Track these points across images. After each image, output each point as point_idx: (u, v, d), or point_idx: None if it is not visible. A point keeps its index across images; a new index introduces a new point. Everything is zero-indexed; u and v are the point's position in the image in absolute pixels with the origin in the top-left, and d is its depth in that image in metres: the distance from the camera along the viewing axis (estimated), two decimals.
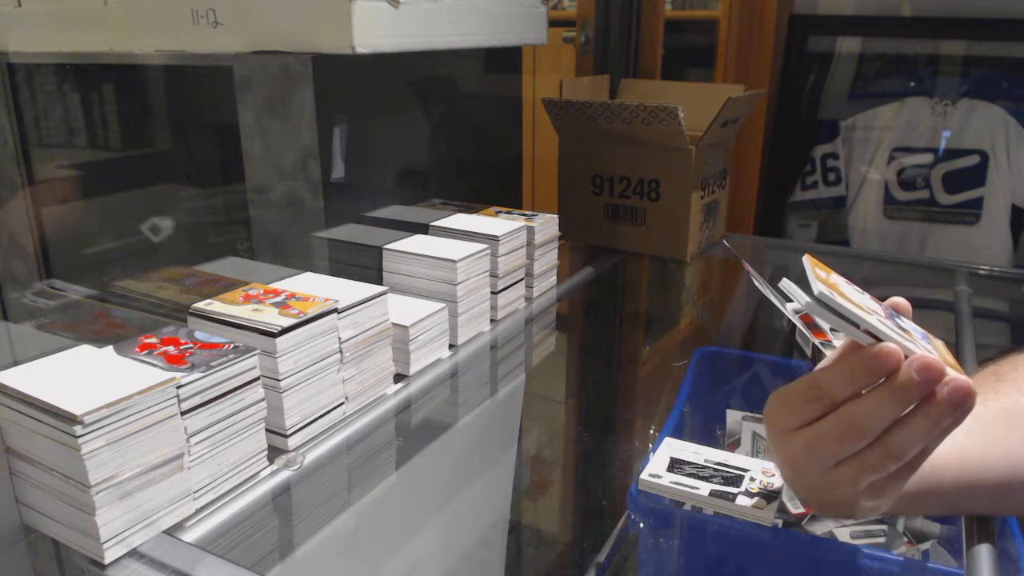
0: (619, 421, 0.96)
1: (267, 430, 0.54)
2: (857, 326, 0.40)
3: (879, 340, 0.40)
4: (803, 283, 0.41)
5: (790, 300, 0.42)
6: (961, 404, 0.39)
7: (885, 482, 0.43)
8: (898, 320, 0.43)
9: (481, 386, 0.75)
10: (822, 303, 0.39)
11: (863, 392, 0.41)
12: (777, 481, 0.54)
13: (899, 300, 0.46)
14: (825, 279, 0.41)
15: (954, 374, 0.39)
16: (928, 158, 1.58)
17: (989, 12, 1.49)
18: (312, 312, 0.56)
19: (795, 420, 0.43)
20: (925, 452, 0.42)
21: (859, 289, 0.44)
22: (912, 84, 1.59)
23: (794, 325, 0.46)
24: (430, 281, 0.73)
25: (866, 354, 0.40)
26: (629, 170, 1.03)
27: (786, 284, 0.41)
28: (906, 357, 0.39)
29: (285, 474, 0.54)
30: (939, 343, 0.45)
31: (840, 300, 0.39)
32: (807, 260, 0.42)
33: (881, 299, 0.45)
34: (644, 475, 0.55)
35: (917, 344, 0.41)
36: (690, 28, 1.92)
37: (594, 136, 1.03)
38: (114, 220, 0.93)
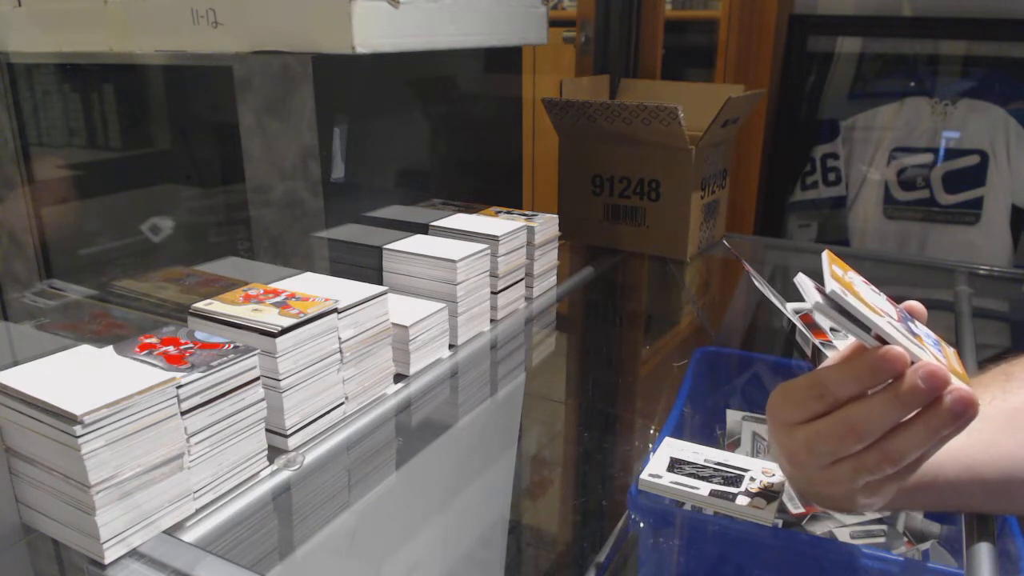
0: (619, 421, 0.96)
1: (267, 430, 0.54)
2: (866, 329, 0.39)
3: (886, 343, 0.39)
4: (819, 279, 0.40)
5: (790, 300, 0.42)
6: (962, 414, 0.39)
7: (882, 482, 0.43)
8: (911, 324, 0.43)
9: (481, 386, 0.75)
10: (833, 302, 0.39)
11: (867, 394, 0.41)
12: (777, 481, 0.54)
13: (915, 304, 0.46)
14: (840, 277, 0.40)
15: (959, 383, 0.39)
16: (928, 158, 1.58)
17: (989, 12, 1.49)
18: (312, 312, 0.56)
19: (797, 415, 0.43)
20: (923, 457, 0.42)
21: (875, 289, 0.43)
22: (912, 84, 1.59)
23: (794, 325, 0.46)
24: (430, 281, 0.73)
25: (872, 356, 0.39)
26: (629, 170, 1.03)
27: (801, 279, 0.41)
28: (912, 363, 0.39)
29: (285, 474, 0.54)
30: (950, 351, 0.44)
31: (851, 300, 0.39)
32: (825, 256, 0.42)
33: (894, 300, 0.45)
34: (644, 475, 0.55)
35: (926, 350, 0.40)
36: (690, 28, 1.92)
37: (594, 136, 1.03)
38: (114, 220, 0.93)
